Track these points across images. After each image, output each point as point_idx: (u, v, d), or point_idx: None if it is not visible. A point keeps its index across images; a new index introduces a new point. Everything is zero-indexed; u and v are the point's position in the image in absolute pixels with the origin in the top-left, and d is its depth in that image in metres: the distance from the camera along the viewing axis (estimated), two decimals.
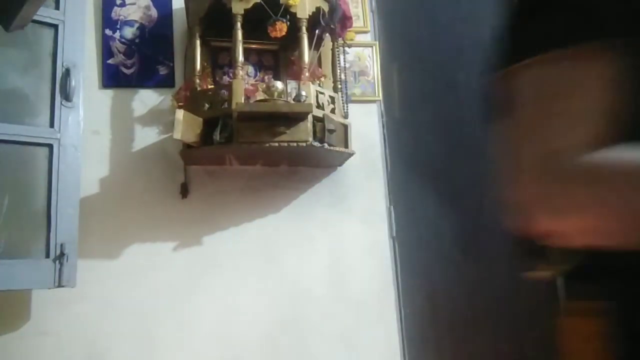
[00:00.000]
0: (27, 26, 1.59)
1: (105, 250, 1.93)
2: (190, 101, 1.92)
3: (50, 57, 1.71)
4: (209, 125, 1.82)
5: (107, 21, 2.10)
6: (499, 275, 2.02)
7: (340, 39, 2.05)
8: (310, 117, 1.82)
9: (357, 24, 2.26)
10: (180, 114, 1.74)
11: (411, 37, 2.38)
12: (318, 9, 1.95)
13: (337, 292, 2.09)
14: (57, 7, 1.73)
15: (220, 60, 2.17)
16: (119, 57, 2.08)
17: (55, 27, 1.72)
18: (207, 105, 1.87)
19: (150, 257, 1.96)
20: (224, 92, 1.85)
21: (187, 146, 1.86)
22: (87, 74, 1.91)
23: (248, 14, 1.85)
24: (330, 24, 1.96)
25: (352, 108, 2.11)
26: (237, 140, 1.78)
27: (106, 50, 2.08)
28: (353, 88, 2.26)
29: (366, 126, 2.26)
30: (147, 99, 2.08)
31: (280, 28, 1.84)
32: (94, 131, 2.00)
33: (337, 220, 2.15)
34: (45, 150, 1.65)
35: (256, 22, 1.85)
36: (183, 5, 2.07)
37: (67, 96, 1.69)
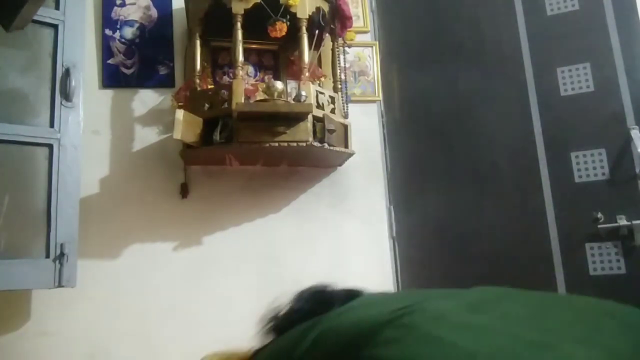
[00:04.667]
0: (27, 26, 1.59)
1: (105, 250, 1.93)
2: (190, 101, 1.92)
3: (50, 57, 1.71)
4: (209, 125, 1.82)
5: (107, 21, 2.10)
6: (497, 273, 2.02)
7: (340, 39, 2.05)
8: (310, 117, 1.82)
9: (357, 24, 2.26)
10: (180, 114, 1.74)
11: (411, 37, 2.38)
12: (318, 9, 1.95)
13: None
14: (57, 7, 1.73)
15: (220, 60, 2.17)
16: (119, 57, 2.08)
17: (55, 27, 1.72)
18: (207, 105, 1.87)
19: (150, 257, 1.96)
20: (224, 92, 1.85)
21: (187, 146, 1.86)
22: (87, 74, 1.90)
23: (248, 14, 1.85)
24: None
25: (352, 108, 2.11)
26: (237, 140, 1.78)
27: (106, 50, 2.08)
28: (353, 88, 2.26)
29: (366, 126, 2.26)
30: (147, 99, 2.08)
31: (280, 28, 1.84)
32: (94, 131, 2.00)
33: (337, 220, 2.15)
34: (45, 150, 1.65)
35: (256, 22, 1.85)
36: (183, 5, 2.07)
37: (67, 96, 1.69)
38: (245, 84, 1.93)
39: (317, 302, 0.64)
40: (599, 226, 1.86)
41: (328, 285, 0.67)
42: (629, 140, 1.86)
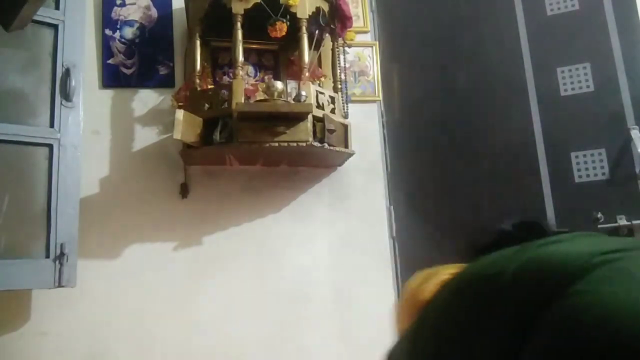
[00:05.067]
0: (27, 26, 1.59)
1: (105, 250, 1.93)
2: (190, 101, 1.92)
3: (50, 57, 1.71)
4: (209, 125, 1.82)
5: (107, 21, 2.10)
6: None
7: (340, 39, 2.05)
8: (310, 117, 1.82)
9: (357, 24, 2.26)
10: (180, 114, 1.74)
11: (411, 37, 2.38)
12: (318, 9, 1.95)
13: (337, 292, 2.09)
14: (57, 7, 1.73)
15: (220, 60, 2.17)
16: (119, 57, 2.08)
17: (55, 27, 1.72)
18: (207, 105, 1.87)
19: (150, 257, 1.96)
20: (224, 92, 1.85)
21: (187, 146, 1.86)
22: (87, 74, 1.90)
23: (248, 14, 1.85)
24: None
25: (352, 108, 2.10)
26: (237, 140, 1.78)
27: (106, 50, 2.08)
28: (353, 88, 2.26)
29: (366, 126, 2.26)
30: (147, 99, 2.08)
31: (280, 28, 1.84)
32: (94, 131, 2.00)
33: (337, 220, 2.15)
34: (45, 150, 1.65)
35: (256, 22, 1.85)
36: (183, 5, 2.07)
37: (67, 96, 1.69)
38: (245, 84, 1.92)
39: (526, 229, 0.64)
40: (599, 226, 1.86)
41: (538, 217, 0.67)
42: (629, 140, 1.87)
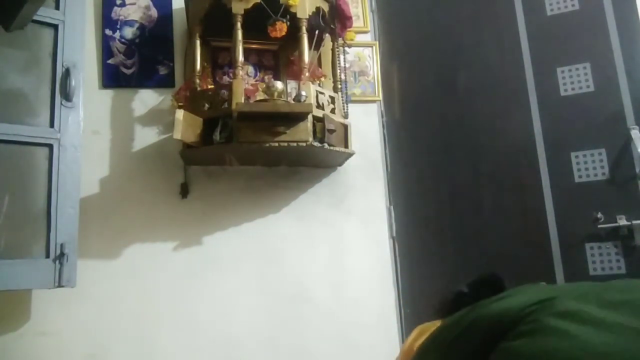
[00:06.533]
0: (27, 26, 1.59)
1: (105, 250, 1.93)
2: (190, 101, 1.92)
3: (50, 57, 1.70)
4: (209, 125, 1.82)
5: (107, 21, 2.10)
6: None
7: (340, 39, 2.05)
8: (310, 117, 1.82)
9: (357, 24, 2.26)
10: (180, 114, 1.74)
11: (411, 37, 2.38)
12: (318, 9, 1.95)
13: (337, 292, 2.09)
14: (57, 7, 1.73)
15: (220, 60, 2.17)
16: (119, 57, 2.08)
17: (55, 27, 1.72)
18: (207, 105, 1.87)
19: (150, 257, 1.96)
20: (224, 92, 1.85)
21: (187, 146, 1.86)
22: (87, 74, 1.90)
23: (248, 14, 1.85)
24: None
25: (352, 108, 2.11)
26: (237, 140, 1.78)
27: (106, 50, 2.08)
28: (353, 88, 2.26)
29: (366, 126, 2.26)
30: (147, 99, 2.08)
31: (280, 28, 1.84)
32: (94, 131, 2.00)
33: (337, 220, 2.15)
34: (45, 150, 1.65)
35: (256, 22, 1.85)
36: (183, 5, 2.07)
37: (67, 96, 1.69)
38: (245, 84, 1.93)
39: (480, 287, 0.77)
40: (599, 226, 1.86)
41: (494, 275, 0.85)
42: (629, 140, 1.87)
